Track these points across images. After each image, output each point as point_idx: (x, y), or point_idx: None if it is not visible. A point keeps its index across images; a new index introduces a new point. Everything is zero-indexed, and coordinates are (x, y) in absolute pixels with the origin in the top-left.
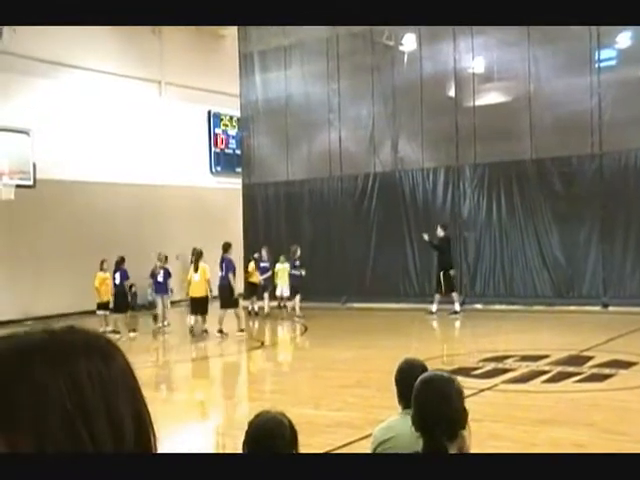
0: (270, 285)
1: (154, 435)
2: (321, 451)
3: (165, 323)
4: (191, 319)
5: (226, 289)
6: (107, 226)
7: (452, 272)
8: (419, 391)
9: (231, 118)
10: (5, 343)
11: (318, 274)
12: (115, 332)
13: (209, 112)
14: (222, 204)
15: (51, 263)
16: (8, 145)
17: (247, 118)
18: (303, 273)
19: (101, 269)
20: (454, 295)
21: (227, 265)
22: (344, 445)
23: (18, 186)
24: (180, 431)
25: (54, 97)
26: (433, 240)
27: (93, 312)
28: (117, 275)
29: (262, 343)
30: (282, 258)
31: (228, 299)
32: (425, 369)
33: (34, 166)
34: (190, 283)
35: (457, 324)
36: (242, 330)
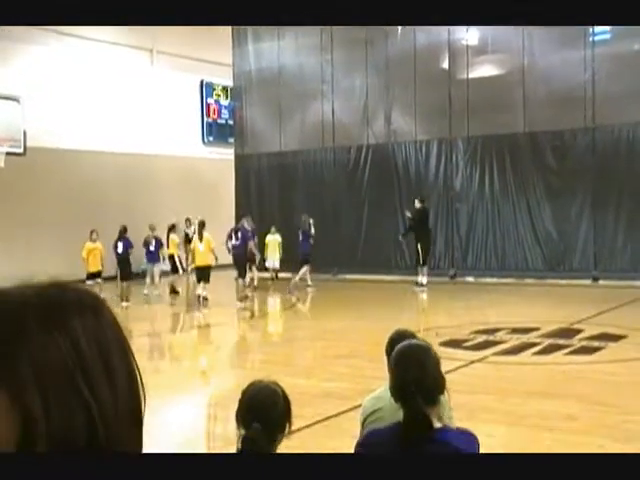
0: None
1: (144, 391)
2: (312, 421)
3: (155, 292)
4: (200, 287)
5: (242, 258)
6: (98, 195)
7: (419, 245)
8: (396, 361)
9: (224, 88)
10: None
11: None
12: (126, 300)
13: (201, 82)
14: (214, 174)
15: (42, 231)
16: None
17: (240, 88)
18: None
19: (90, 239)
20: (424, 268)
21: (244, 234)
22: (335, 415)
23: (8, 154)
24: (171, 402)
25: (45, 64)
26: (415, 217)
27: (84, 280)
28: (120, 244)
29: (253, 314)
30: (273, 229)
31: (243, 267)
32: (415, 338)
33: (24, 134)
34: (195, 252)
35: (424, 296)
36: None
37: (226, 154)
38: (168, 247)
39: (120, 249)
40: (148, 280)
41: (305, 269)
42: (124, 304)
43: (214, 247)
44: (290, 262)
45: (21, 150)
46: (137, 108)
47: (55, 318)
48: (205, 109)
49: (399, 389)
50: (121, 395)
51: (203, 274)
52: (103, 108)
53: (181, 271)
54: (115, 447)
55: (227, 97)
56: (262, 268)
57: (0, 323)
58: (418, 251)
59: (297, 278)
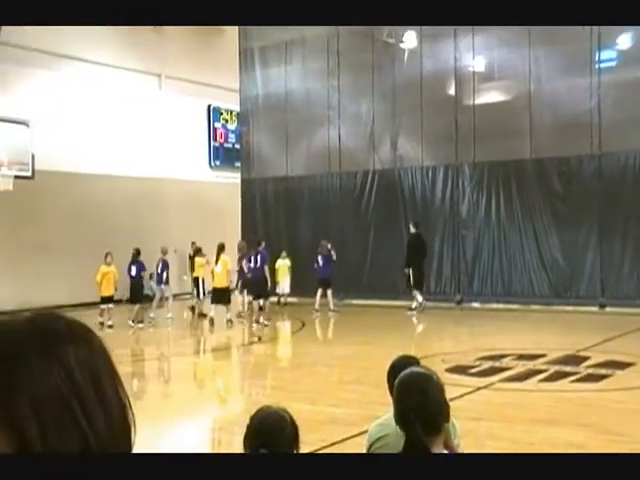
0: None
1: (134, 418)
2: (316, 447)
3: (168, 315)
4: (212, 309)
5: (260, 280)
6: (105, 218)
7: (410, 269)
8: (398, 389)
9: (231, 112)
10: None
11: (316, 270)
12: (139, 322)
13: (209, 106)
14: (221, 198)
15: (50, 254)
16: (7, 136)
17: (247, 113)
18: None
19: (105, 262)
20: (415, 292)
21: (263, 257)
22: (340, 441)
23: (17, 177)
24: (177, 426)
25: (54, 88)
26: (411, 242)
27: (92, 304)
28: (133, 267)
29: (259, 338)
30: (283, 254)
31: (262, 290)
32: (418, 364)
33: (33, 157)
34: (213, 274)
35: (414, 320)
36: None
37: (233, 178)
38: (193, 270)
39: (134, 272)
40: (154, 304)
41: (329, 293)
42: (140, 325)
43: (230, 269)
44: (297, 287)
45: (29, 173)
46: (145, 132)
47: (49, 348)
48: (212, 133)
49: (400, 417)
50: (114, 423)
51: (220, 295)
52: (111, 132)
53: (201, 295)
54: None
55: (234, 122)
56: (271, 293)
57: None
58: (409, 275)
59: (331, 303)
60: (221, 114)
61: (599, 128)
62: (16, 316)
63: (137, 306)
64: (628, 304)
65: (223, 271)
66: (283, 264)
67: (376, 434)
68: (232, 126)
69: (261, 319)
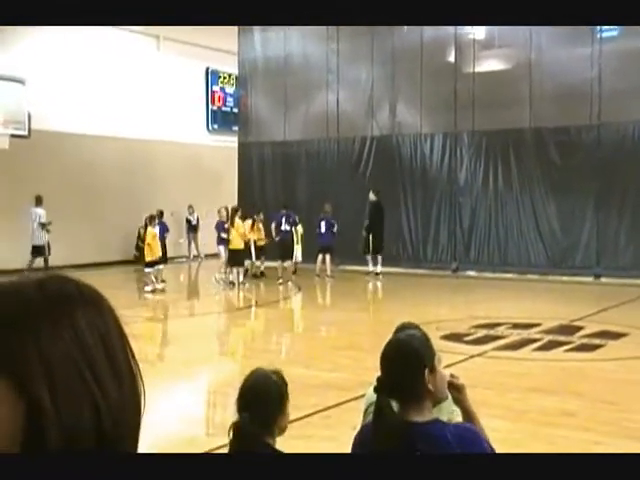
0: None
1: (143, 386)
2: (310, 412)
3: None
4: (230, 271)
5: (288, 242)
6: (101, 179)
7: (371, 235)
8: (381, 354)
9: (229, 76)
10: (2, 300)
11: (312, 236)
12: (162, 281)
13: (207, 69)
14: (218, 162)
15: (46, 213)
16: (3, 95)
17: (245, 76)
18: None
19: (151, 225)
20: (379, 257)
21: (293, 220)
22: (334, 406)
23: (12, 136)
24: (171, 390)
25: (51, 47)
26: (371, 209)
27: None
28: (157, 228)
29: (256, 302)
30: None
31: (290, 252)
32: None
33: (29, 116)
34: (228, 237)
35: (379, 285)
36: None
37: (230, 142)
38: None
39: (158, 233)
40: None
41: (328, 259)
42: (159, 286)
43: (244, 232)
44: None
45: (25, 132)
46: (142, 94)
47: (59, 311)
48: (210, 97)
49: (382, 381)
50: (125, 391)
51: (236, 258)
52: (108, 92)
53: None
54: (119, 442)
55: (232, 85)
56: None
57: (4, 316)
58: (368, 241)
59: (329, 271)
60: (219, 77)
61: (599, 98)
62: (25, 278)
63: (162, 266)
64: (623, 275)
65: (237, 234)
66: (295, 231)
67: (371, 398)
68: (230, 89)
69: (291, 280)
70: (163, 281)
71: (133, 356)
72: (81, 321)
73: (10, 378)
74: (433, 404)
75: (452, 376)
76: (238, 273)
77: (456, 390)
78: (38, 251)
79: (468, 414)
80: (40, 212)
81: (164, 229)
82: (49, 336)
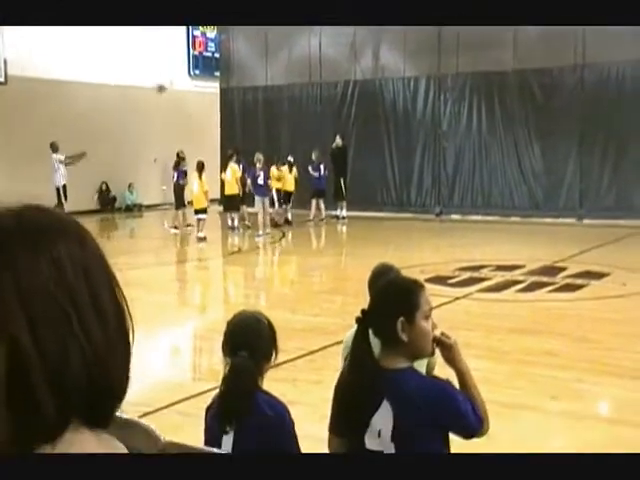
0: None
1: (132, 322)
2: (295, 355)
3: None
4: (229, 217)
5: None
6: (81, 127)
7: (342, 180)
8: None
9: None
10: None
11: (310, 181)
12: (189, 225)
13: None
14: (200, 108)
15: (24, 162)
16: None
17: None
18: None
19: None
20: (344, 202)
21: (326, 166)
22: (318, 350)
23: None
24: (157, 335)
25: None
26: (336, 152)
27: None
28: (175, 174)
29: (239, 249)
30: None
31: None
32: (398, 274)
33: (5, 62)
34: (223, 183)
35: (344, 229)
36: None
37: (213, 87)
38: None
39: (175, 178)
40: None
41: (322, 203)
42: (175, 231)
43: (238, 177)
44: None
45: (2, 79)
46: (122, 39)
47: (38, 242)
48: (191, 42)
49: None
50: (109, 329)
51: (232, 203)
52: (87, 37)
53: (276, 205)
54: (108, 389)
55: (213, 29)
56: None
57: None
58: (341, 186)
59: (323, 214)
60: None
61: (583, 39)
62: (5, 208)
63: (178, 211)
64: (606, 216)
65: (232, 178)
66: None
67: (349, 342)
68: (212, 34)
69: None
70: (176, 227)
71: (120, 291)
72: (62, 255)
73: None
74: (411, 358)
75: (443, 334)
76: (232, 219)
77: (445, 349)
78: (57, 193)
79: (459, 375)
80: (57, 157)
81: (180, 175)
82: (27, 268)
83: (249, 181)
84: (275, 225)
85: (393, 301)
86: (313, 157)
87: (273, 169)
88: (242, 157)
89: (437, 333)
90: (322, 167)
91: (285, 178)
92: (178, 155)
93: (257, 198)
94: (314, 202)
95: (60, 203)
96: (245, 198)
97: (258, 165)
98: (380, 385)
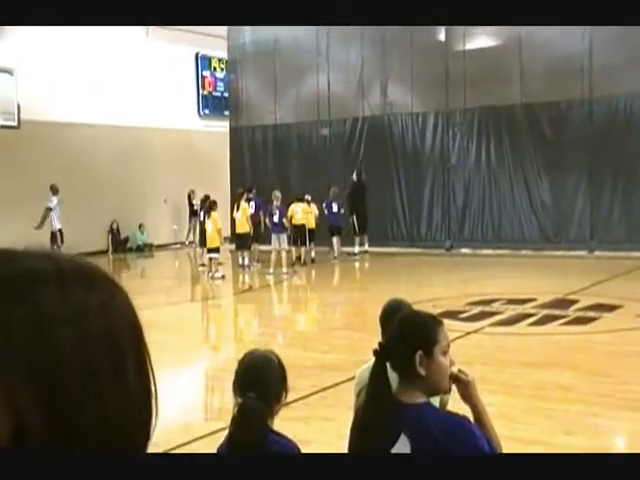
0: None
1: (156, 409)
2: (307, 393)
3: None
4: (240, 255)
5: (340, 224)
6: (93, 168)
7: (354, 216)
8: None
9: (219, 60)
10: (7, 269)
11: (327, 218)
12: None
13: (197, 54)
14: (210, 147)
15: (36, 205)
16: None
17: (235, 61)
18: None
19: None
20: (364, 237)
21: (340, 203)
22: (330, 387)
23: (2, 127)
24: (165, 375)
25: (39, 36)
26: (352, 190)
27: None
28: (202, 214)
29: (250, 287)
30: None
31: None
32: (410, 308)
33: (18, 107)
34: (234, 221)
35: (355, 265)
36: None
37: (222, 127)
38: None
39: (201, 217)
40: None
41: (337, 241)
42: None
43: (249, 215)
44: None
45: (15, 123)
46: (132, 81)
47: (66, 288)
48: (201, 82)
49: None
50: (132, 412)
51: (243, 242)
52: (98, 81)
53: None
54: (122, 447)
55: (223, 70)
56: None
57: (3, 290)
58: (353, 222)
59: (336, 252)
60: (209, 62)
61: (590, 72)
62: (39, 251)
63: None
64: (617, 248)
65: (243, 217)
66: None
67: (362, 379)
68: (221, 74)
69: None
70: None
71: (150, 367)
72: (90, 301)
73: None
74: (428, 393)
75: (460, 371)
76: (243, 257)
77: (462, 386)
78: (53, 238)
79: (475, 412)
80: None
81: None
82: (49, 310)
83: (267, 219)
84: (292, 264)
85: (413, 334)
86: (330, 194)
87: (293, 207)
88: (255, 195)
89: (454, 369)
90: (334, 204)
91: (246, 216)
92: (207, 197)
93: (273, 235)
94: (333, 239)
95: (58, 247)
96: (259, 236)
97: (275, 202)
98: (397, 419)
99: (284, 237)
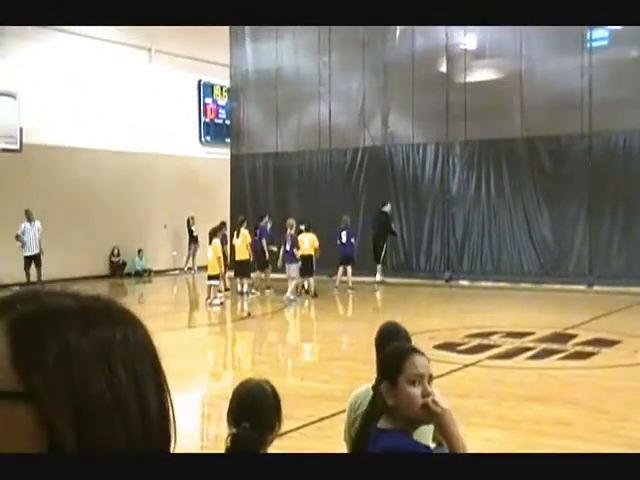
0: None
1: (174, 433)
2: (305, 422)
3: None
4: (239, 282)
5: (352, 254)
6: (94, 193)
7: (382, 246)
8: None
9: (221, 88)
10: (34, 306)
11: (338, 247)
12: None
13: (199, 81)
14: (211, 174)
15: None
16: None
17: (237, 88)
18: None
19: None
20: (377, 267)
21: (350, 233)
22: (328, 417)
23: (4, 150)
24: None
25: (42, 60)
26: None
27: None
28: (217, 241)
29: (249, 314)
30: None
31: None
32: (406, 333)
33: (21, 130)
34: (234, 248)
35: (375, 295)
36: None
37: (223, 154)
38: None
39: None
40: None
41: (349, 270)
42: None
43: (249, 243)
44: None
45: (17, 147)
46: (135, 107)
47: (90, 326)
48: (202, 109)
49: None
50: (151, 436)
51: (244, 269)
52: (100, 106)
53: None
54: None
55: (225, 97)
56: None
57: (34, 329)
58: (380, 251)
59: (350, 282)
60: (212, 89)
61: (590, 107)
62: (62, 290)
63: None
64: (616, 283)
65: (243, 244)
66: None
67: (354, 407)
68: (223, 102)
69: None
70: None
71: (164, 379)
72: (113, 337)
73: (35, 402)
74: (405, 422)
75: (434, 401)
76: (242, 285)
77: (434, 416)
78: (26, 263)
79: (449, 446)
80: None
81: (225, 241)
82: (76, 347)
83: (282, 246)
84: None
85: (380, 366)
86: (341, 224)
87: (301, 237)
88: (261, 222)
89: (430, 399)
90: (344, 234)
91: (246, 243)
92: (222, 223)
93: (286, 265)
94: (340, 269)
95: (33, 273)
96: (264, 263)
97: (289, 230)
98: (370, 444)
99: (294, 267)
